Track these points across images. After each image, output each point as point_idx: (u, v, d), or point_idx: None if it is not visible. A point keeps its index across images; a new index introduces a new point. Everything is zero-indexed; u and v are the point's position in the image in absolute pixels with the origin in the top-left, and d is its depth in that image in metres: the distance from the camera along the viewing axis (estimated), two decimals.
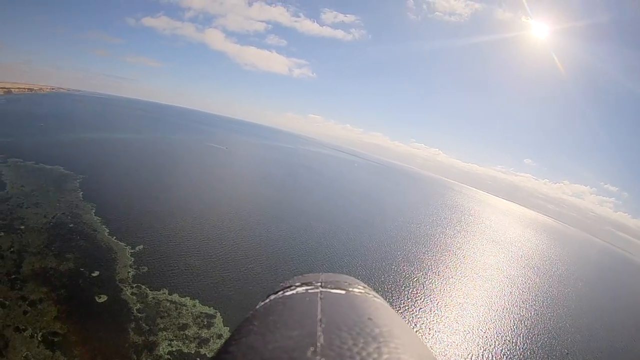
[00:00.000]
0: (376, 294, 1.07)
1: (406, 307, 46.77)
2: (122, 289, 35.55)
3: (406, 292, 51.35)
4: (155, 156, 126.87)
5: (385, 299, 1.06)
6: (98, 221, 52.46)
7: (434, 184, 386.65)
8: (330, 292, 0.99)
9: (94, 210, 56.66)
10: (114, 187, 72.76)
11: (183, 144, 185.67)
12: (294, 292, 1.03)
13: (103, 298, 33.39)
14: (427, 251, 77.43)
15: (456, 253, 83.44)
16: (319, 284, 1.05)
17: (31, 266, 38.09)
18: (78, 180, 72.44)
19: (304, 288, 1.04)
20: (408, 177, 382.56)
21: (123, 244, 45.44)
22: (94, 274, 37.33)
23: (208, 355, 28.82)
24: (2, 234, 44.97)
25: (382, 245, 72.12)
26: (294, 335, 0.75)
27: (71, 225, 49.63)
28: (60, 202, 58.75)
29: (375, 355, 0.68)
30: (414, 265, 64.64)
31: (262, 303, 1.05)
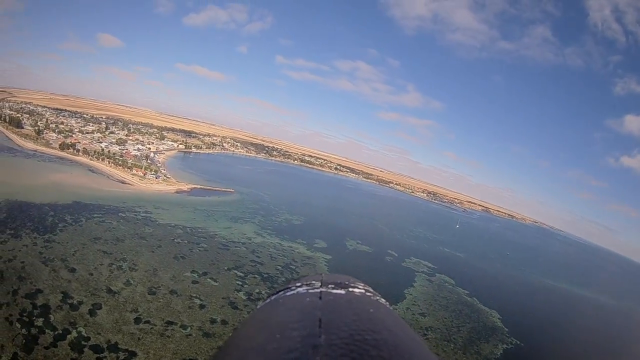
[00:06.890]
0: (377, 294, 1.06)
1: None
2: None
3: None
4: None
5: (386, 299, 1.04)
6: None
7: None
8: (330, 292, 0.98)
9: None
10: None
11: None
12: (294, 292, 1.02)
13: None
14: None
15: None
16: (320, 283, 1.04)
17: None
18: (504, 347, 50.32)
19: (305, 288, 1.02)
20: None
21: None
22: None
23: None
24: None
25: None
26: (294, 335, 0.74)
27: None
28: None
29: (375, 355, 0.67)
30: None
31: (263, 303, 1.05)
